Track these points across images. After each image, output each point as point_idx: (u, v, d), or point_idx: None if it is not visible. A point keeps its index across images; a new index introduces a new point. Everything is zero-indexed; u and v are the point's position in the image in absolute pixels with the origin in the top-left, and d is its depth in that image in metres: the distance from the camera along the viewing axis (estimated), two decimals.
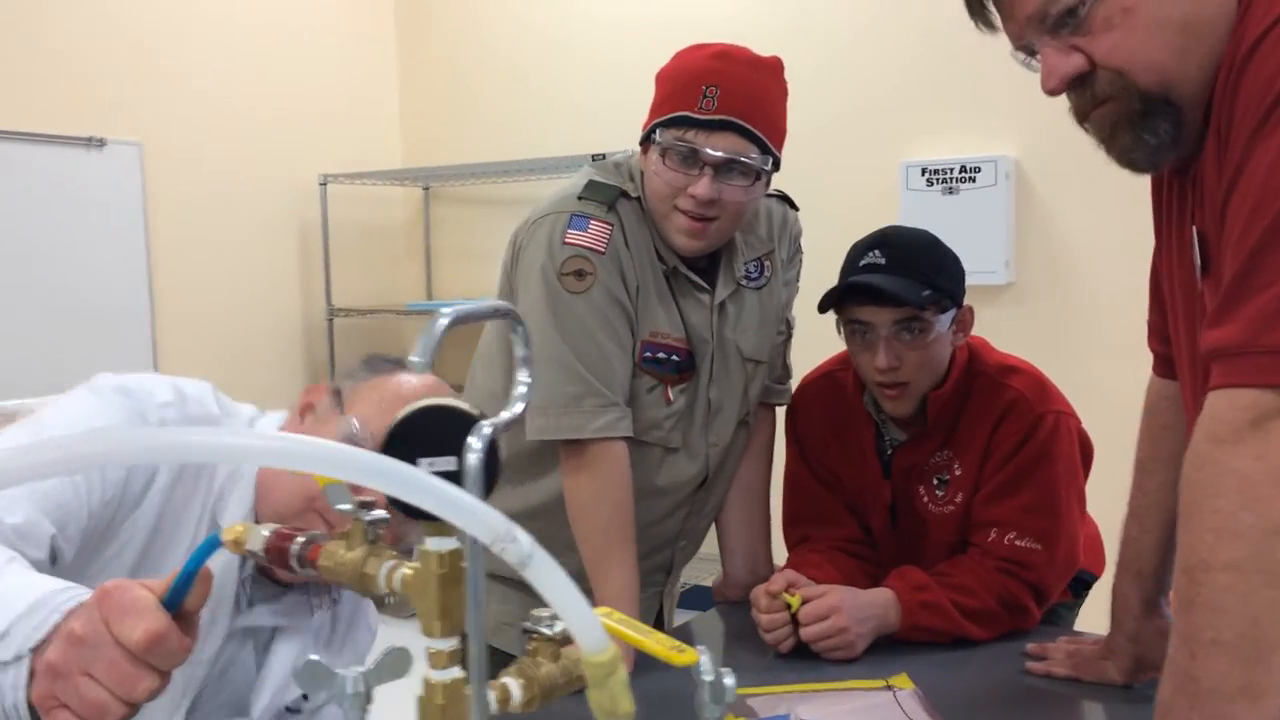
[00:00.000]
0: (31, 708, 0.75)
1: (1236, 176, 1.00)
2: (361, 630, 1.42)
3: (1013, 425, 1.63)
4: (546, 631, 0.62)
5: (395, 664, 0.62)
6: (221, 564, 1.19)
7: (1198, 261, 1.12)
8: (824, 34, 4.01)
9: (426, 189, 5.10)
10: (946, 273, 1.61)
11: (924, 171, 3.76)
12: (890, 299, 1.55)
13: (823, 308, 1.62)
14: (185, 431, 0.45)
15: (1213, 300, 1.04)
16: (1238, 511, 0.94)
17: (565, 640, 0.63)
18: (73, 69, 3.99)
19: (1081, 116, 1.13)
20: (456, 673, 0.56)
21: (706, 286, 1.66)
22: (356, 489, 0.60)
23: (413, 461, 0.57)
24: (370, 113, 5.05)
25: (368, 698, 0.62)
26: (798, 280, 1.85)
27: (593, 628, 0.48)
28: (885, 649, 1.56)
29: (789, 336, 1.85)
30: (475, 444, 0.54)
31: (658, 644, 0.59)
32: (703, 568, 2.67)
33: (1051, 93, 1.11)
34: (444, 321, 0.53)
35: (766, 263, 1.75)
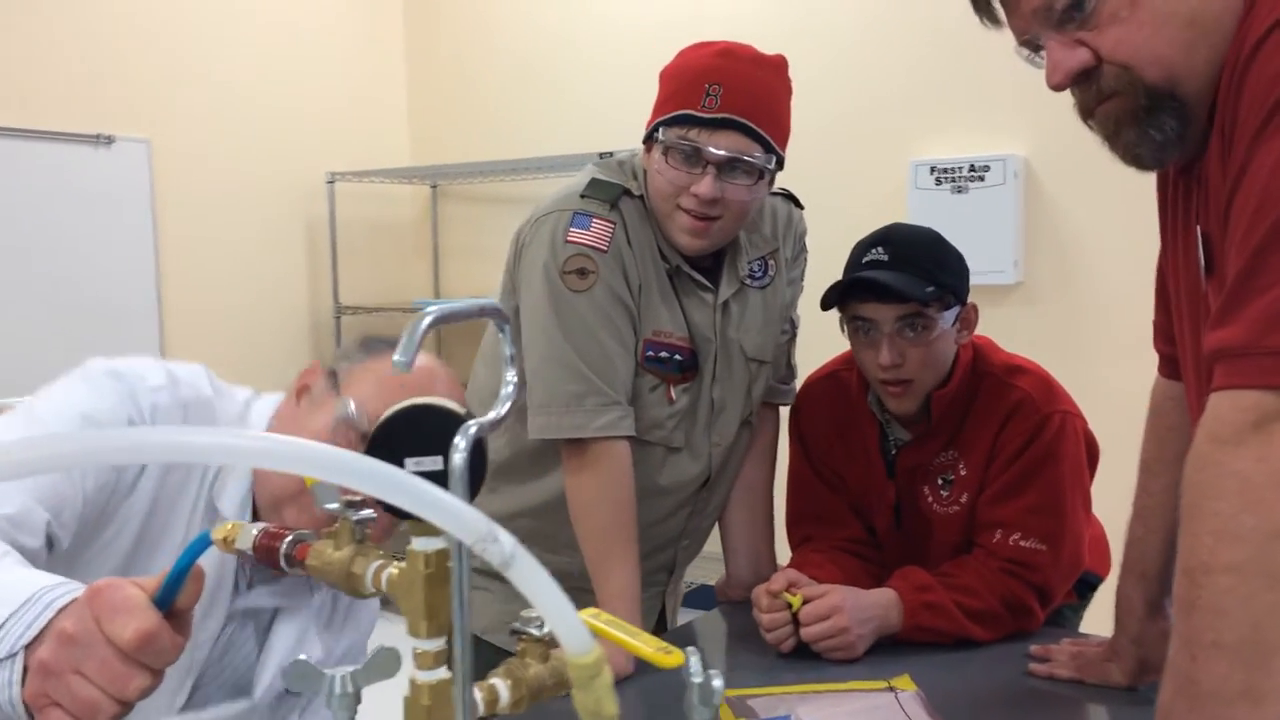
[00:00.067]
0: (26, 705, 0.75)
1: (1240, 176, 0.99)
2: (363, 608, 1.42)
3: (1018, 425, 1.62)
4: (535, 633, 0.61)
5: (384, 664, 0.61)
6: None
7: (1202, 262, 1.11)
8: (833, 32, 4.00)
9: (434, 187, 5.11)
10: (950, 270, 1.60)
11: (933, 170, 3.74)
12: (893, 295, 1.55)
13: (825, 304, 1.62)
14: (168, 431, 0.45)
15: (1217, 301, 1.03)
16: (1239, 514, 0.93)
17: (554, 641, 0.62)
18: (81, 66, 4.00)
19: (1086, 113, 1.12)
20: (443, 673, 0.56)
21: (710, 285, 1.66)
22: (345, 488, 0.60)
23: (399, 460, 0.56)
24: (378, 111, 5.06)
25: (356, 698, 0.62)
26: (802, 279, 1.84)
27: (576, 629, 0.48)
28: (887, 650, 1.55)
29: (793, 336, 1.84)
30: (461, 444, 0.53)
31: (645, 645, 0.58)
32: (709, 567, 2.66)
33: (1056, 87, 1.10)
34: (427, 320, 0.53)
35: (770, 261, 1.74)
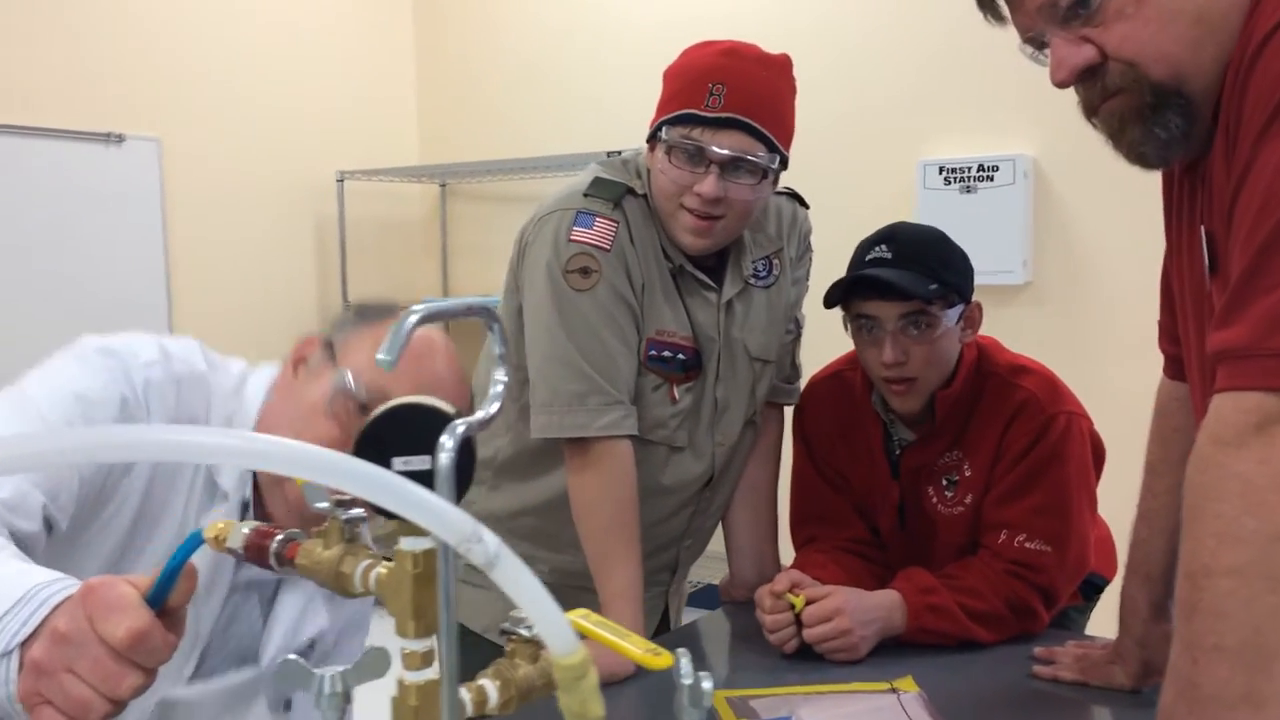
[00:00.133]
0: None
1: (1244, 175, 0.98)
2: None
3: (1024, 426, 1.62)
4: (524, 633, 0.61)
5: (374, 664, 0.61)
6: (223, 514, 1.19)
7: (1206, 262, 1.11)
8: (842, 32, 3.99)
9: (443, 185, 5.11)
10: (954, 268, 1.60)
11: (941, 170, 3.73)
12: (896, 292, 1.54)
13: (829, 302, 1.61)
14: (150, 430, 0.45)
15: (1221, 301, 1.02)
16: (1241, 516, 0.92)
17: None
18: (91, 65, 4.02)
19: (1090, 110, 1.12)
20: (430, 674, 0.56)
21: (713, 285, 1.65)
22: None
23: (387, 459, 0.56)
24: (387, 109, 5.07)
25: (346, 697, 0.62)
26: (807, 279, 1.84)
27: (562, 630, 0.47)
28: (891, 651, 1.55)
29: (798, 336, 1.84)
30: (448, 443, 0.53)
31: (634, 647, 0.58)
32: (714, 566, 2.66)
33: (1060, 84, 1.10)
34: (413, 319, 0.52)
35: (775, 261, 1.74)
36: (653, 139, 1.57)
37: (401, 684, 0.56)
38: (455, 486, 0.52)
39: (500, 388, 0.58)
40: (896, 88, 3.90)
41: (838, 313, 1.65)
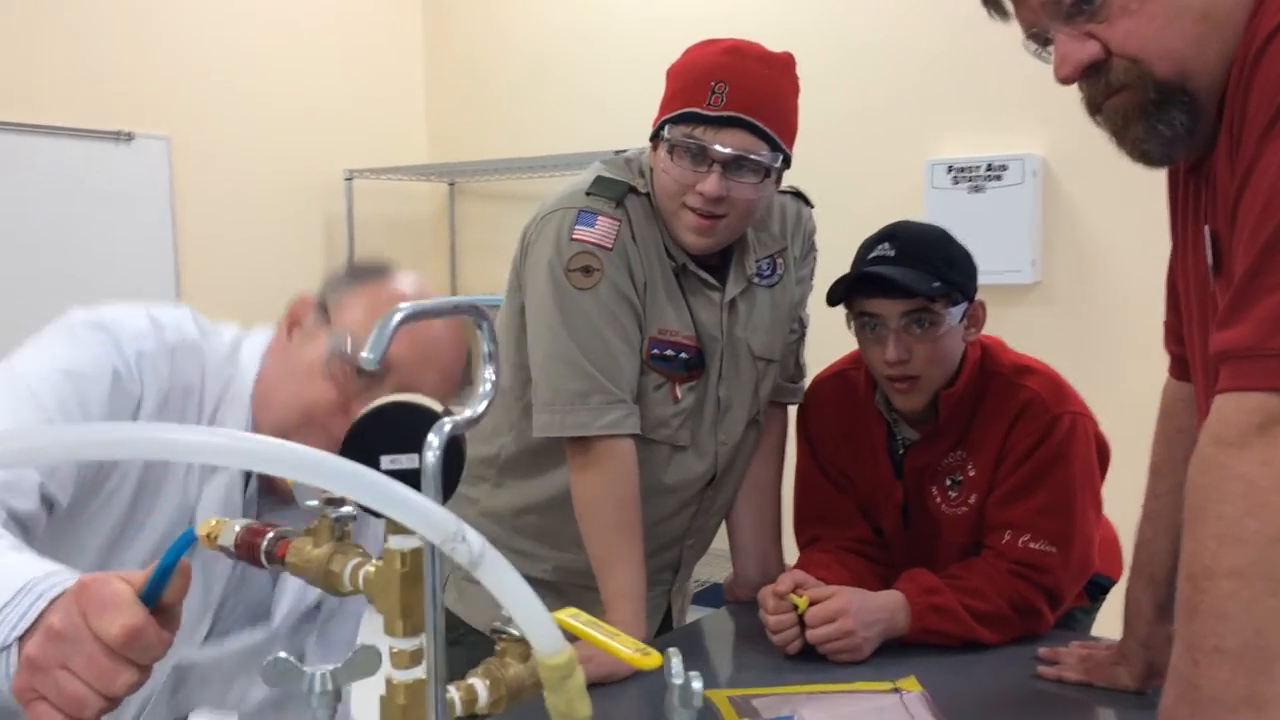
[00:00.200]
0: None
1: (1248, 174, 0.98)
2: (368, 539, 1.42)
3: (1028, 426, 1.61)
4: (515, 632, 0.61)
5: (364, 662, 0.61)
6: (225, 483, 1.19)
7: (1210, 261, 1.10)
8: (850, 30, 3.99)
9: (452, 184, 5.12)
10: (957, 266, 1.59)
11: (950, 169, 3.72)
12: (899, 290, 1.54)
13: (832, 300, 1.61)
14: (133, 427, 0.45)
15: (1224, 301, 1.01)
16: (1243, 517, 0.92)
17: None
18: (101, 63, 4.03)
19: (1094, 108, 1.11)
20: (419, 672, 0.55)
21: (716, 284, 1.65)
22: None
23: (375, 457, 0.56)
24: (396, 108, 5.07)
25: (336, 695, 0.62)
26: (812, 278, 1.83)
27: (547, 629, 0.47)
28: (895, 651, 1.54)
29: (802, 335, 1.83)
30: (434, 442, 0.53)
31: (623, 647, 0.58)
32: (722, 565, 2.66)
33: (1064, 80, 1.09)
34: (398, 316, 0.52)
35: (779, 260, 1.73)
36: (655, 138, 1.57)
37: (390, 683, 0.56)
38: (441, 485, 0.52)
39: (489, 386, 0.58)
40: (904, 87, 3.89)
41: (842, 312, 1.64)
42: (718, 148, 1.49)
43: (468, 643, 1.63)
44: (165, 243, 4.23)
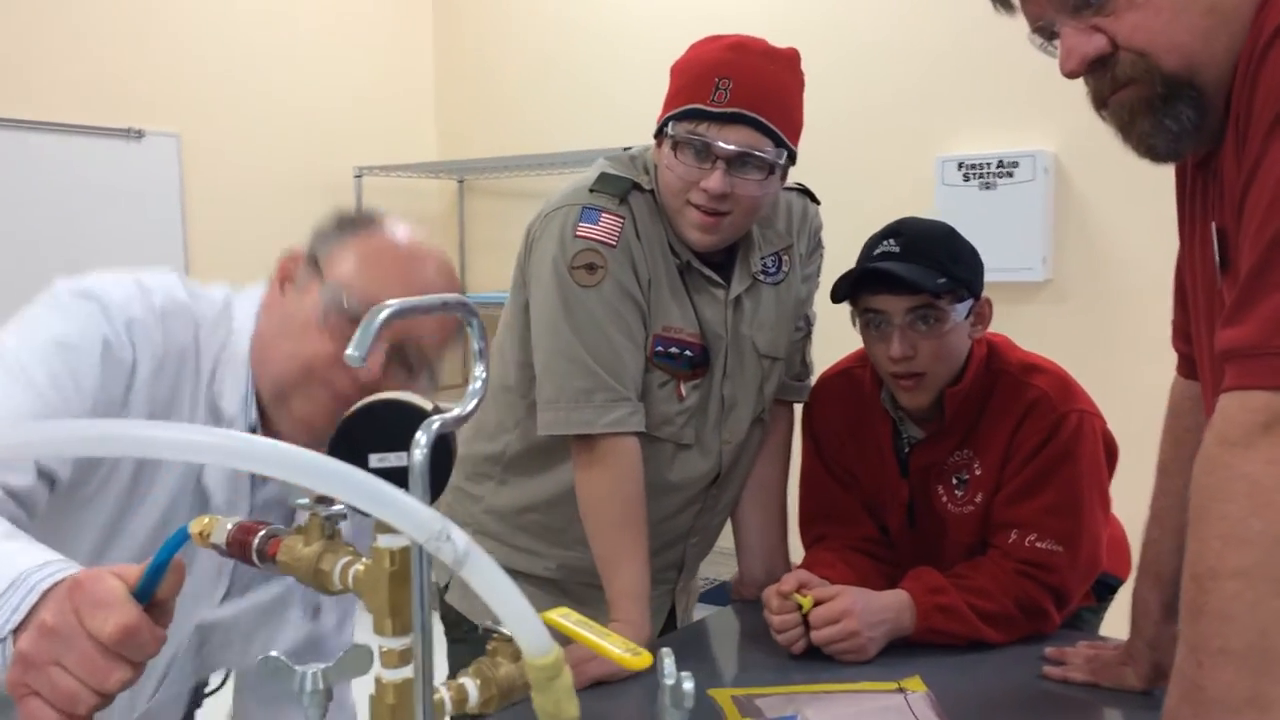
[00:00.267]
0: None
1: (1254, 170, 0.97)
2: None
3: (1035, 424, 1.60)
4: (506, 631, 0.60)
5: (355, 662, 0.61)
6: None
7: (1217, 258, 1.09)
8: (859, 26, 3.97)
9: (461, 182, 5.11)
10: (963, 262, 1.58)
11: (960, 166, 3.70)
12: (904, 286, 1.53)
13: (836, 297, 1.60)
14: (120, 425, 0.45)
15: (1230, 299, 1.00)
16: (1247, 517, 0.91)
17: None
18: (111, 60, 4.04)
19: (1100, 102, 1.10)
20: (408, 672, 0.55)
21: (721, 281, 1.64)
22: None
23: (363, 455, 0.55)
24: (406, 105, 5.08)
25: (328, 695, 0.61)
26: (818, 276, 1.82)
27: (534, 630, 0.47)
28: (900, 650, 1.54)
29: (808, 333, 1.83)
30: (422, 440, 0.52)
31: (613, 646, 0.57)
32: (729, 563, 2.66)
33: (1070, 74, 1.08)
34: (384, 314, 0.52)
35: (785, 257, 1.72)
36: (659, 134, 1.56)
37: (379, 682, 0.56)
38: (429, 483, 0.52)
39: (479, 384, 0.57)
40: (914, 83, 3.87)
41: (849, 310, 1.63)
42: (721, 144, 1.48)
43: (472, 640, 1.63)
44: (175, 240, 4.24)
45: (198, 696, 1.44)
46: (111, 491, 1.14)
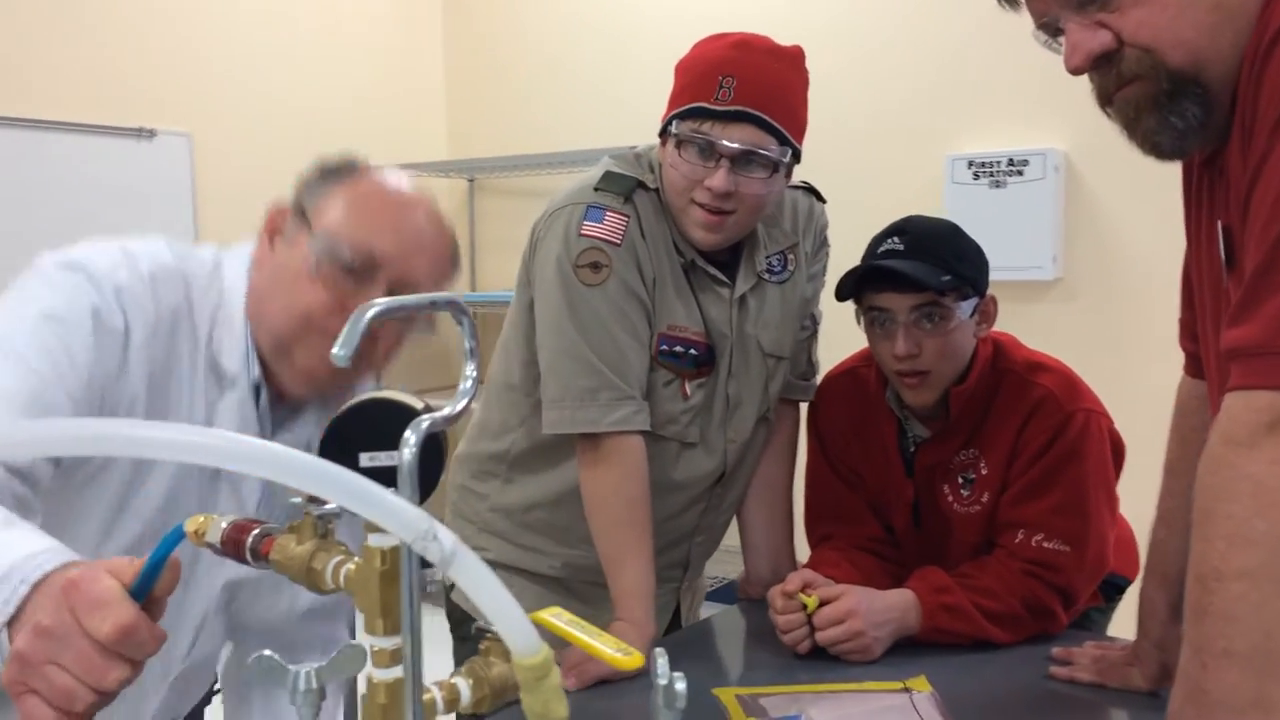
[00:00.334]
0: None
1: (1259, 168, 0.96)
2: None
3: (1041, 423, 1.59)
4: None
5: (349, 661, 0.61)
6: (238, 401, 1.19)
7: (1223, 256, 1.08)
8: (868, 25, 3.96)
9: (471, 180, 5.12)
10: (968, 260, 1.57)
11: (970, 164, 3.69)
12: (909, 283, 1.52)
13: (840, 295, 1.59)
14: (105, 424, 0.45)
15: (1235, 297, 1.00)
16: (1252, 518, 0.90)
17: None
18: (123, 60, 4.05)
19: (1105, 99, 1.09)
20: (399, 672, 0.55)
21: (726, 280, 1.64)
22: None
23: (354, 454, 0.55)
24: (416, 104, 5.09)
25: (321, 694, 0.61)
26: (824, 274, 1.82)
27: (522, 630, 0.47)
28: (906, 650, 1.53)
29: (814, 332, 1.82)
30: (411, 439, 0.52)
31: (604, 646, 0.57)
32: (737, 562, 2.66)
33: (1075, 71, 1.07)
34: (371, 312, 0.52)
35: (790, 256, 1.72)
36: (664, 133, 1.56)
37: (370, 681, 0.56)
38: (419, 482, 0.52)
39: (470, 383, 0.57)
40: (924, 81, 3.86)
41: (854, 309, 1.63)
42: (725, 143, 1.48)
43: (475, 638, 1.63)
44: (186, 239, 4.22)
45: (208, 695, 1.45)
46: (118, 462, 1.14)
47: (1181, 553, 1.31)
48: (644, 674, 1.44)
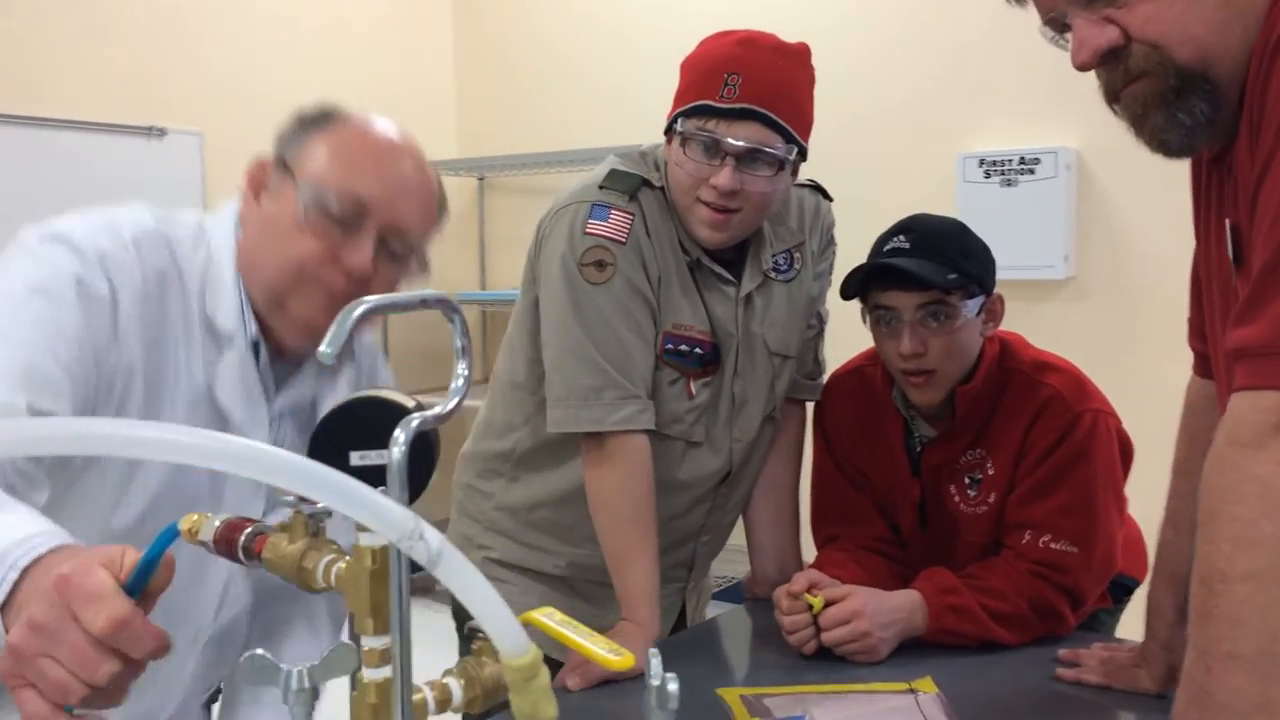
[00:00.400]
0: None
1: (1267, 165, 0.95)
2: (380, 379, 1.43)
3: (1048, 423, 1.58)
4: None
5: (341, 661, 0.60)
6: (238, 360, 1.19)
7: (1231, 255, 1.07)
8: (878, 23, 3.95)
9: (481, 179, 5.12)
10: (974, 259, 1.56)
11: (981, 163, 3.67)
12: (914, 281, 1.51)
13: (846, 293, 1.59)
14: (85, 423, 0.44)
15: (1242, 296, 0.99)
16: (1258, 520, 0.89)
17: None
18: (134, 59, 4.07)
19: (1112, 96, 1.08)
20: (389, 671, 0.55)
21: (732, 279, 1.63)
22: None
23: (344, 453, 0.55)
24: (426, 103, 5.09)
25: (314, 693, 0.61)
26: (830, 273, 1.81)
27: (510, 630, 0.46)
28: (913, 651, 1.53)
29: (820, 331, 1.81)
30: (400, 438, 0.52)
31: (595, 646, 0.56)
32: (745, 561, 2.65)
33: (1082, 67, 1.07)
34: (359, 310, 0.51)
35: (796, 254, 1.71)
36: (669, 131, 1.55)
37: (361, 681, 0.55)
38: (408, 481, 0.51)
39: (461, 382, 0.57)
40: (935, 80, 3.85)
41: (860, 308, 1.62)
42: (730, 140, 1.47)
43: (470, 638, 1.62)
44: None
45: (214, 694, 1.45)
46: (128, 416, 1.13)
47: (1190, 554, 1.30)
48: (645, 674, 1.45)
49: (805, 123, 1.53)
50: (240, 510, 1.23)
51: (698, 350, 1.61)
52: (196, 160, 4.23)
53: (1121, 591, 1.79)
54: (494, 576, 1.71)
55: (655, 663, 0.58)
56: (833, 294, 1.79)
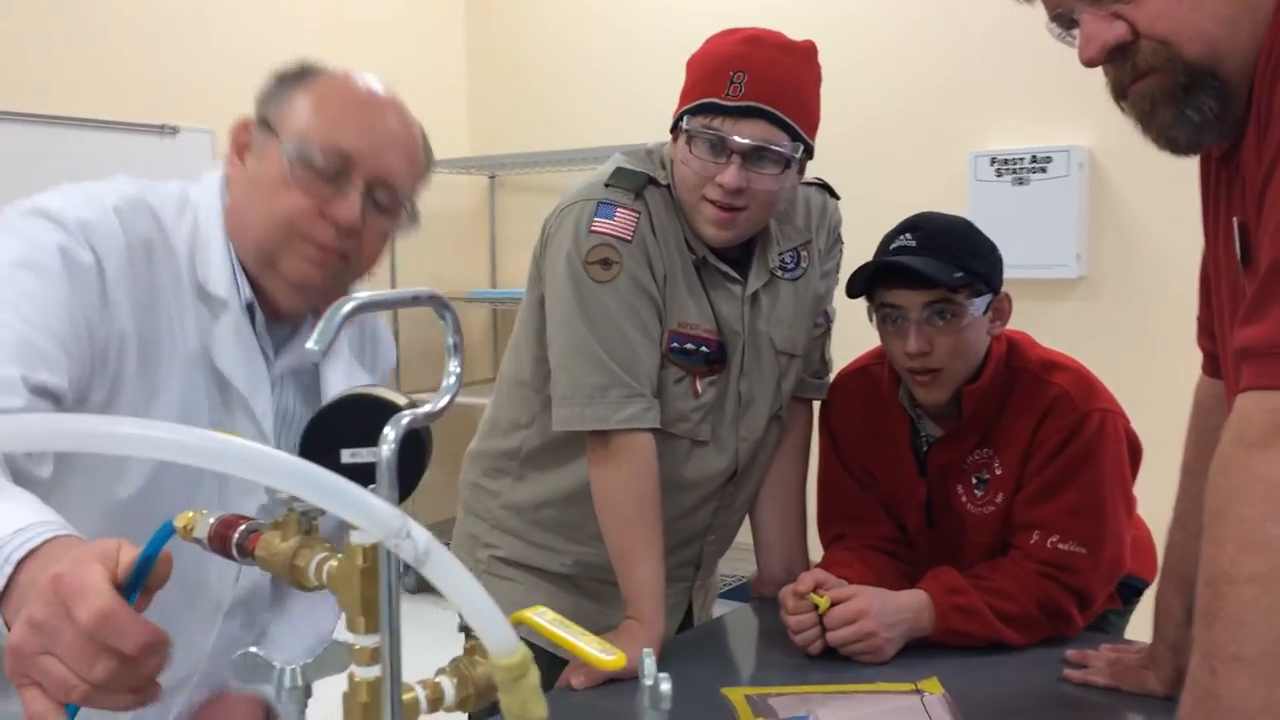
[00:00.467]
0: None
1: (1275, 164, 0.95)
2: (382, 343, 1.43)
3: (1056, 423, 1.57)
4: None
5: (335, 659, 0.60)
6: (233, 324, 1.18)
7: (1239, 254, 1.06)
8: (889, 21, 3.93)
9: (492, 177, 5.13)
10: (981, 257, 1.56)
11: (993, 162, 3.66)
12: (920, 279, 1.51)
13: (852, 291, 1.58)
14: (76, 420, 0.44)
15: (1248, 296, 0.98)
16: (1264, 521, 0.89)
17: None
18: (146, 57, 4.08)
19: (1119, 92, 1.08)
20: (380, 670, 0.54)
21: (738, 277, 1.63)
22: None
23: (335, 451, 0.55)
24: (438, 101, 5.09)
25: (307, 691, 0.61)
26: (837, 271, 1.80)
27: (499, 629, 0.46)
28: (919, 651, 1.52)
29: (827, 329, 1.81)
30: (390, 435, 0.52)
31: (587, 646, 0.56)
32: (752, 560, 2.65)
33: (1089, 63, 1.06)
34: (348, 306, 0.51)
35: (803, 253, 1.71)
36: (675, 129, 1.55)
37: (352, 680, 0.55)
38: (398, 479, 0.51)
39: (453, 380, 0.56)
40: (946, 78, 3.83)
41: (866, 306, 1.61)
42: (736, 138, 1.46)
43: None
44: None
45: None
46: (124, 397, 1.13)
47: (1198, 555, 1.30)
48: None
49: (811, 121, 1.53)
50: (242, 484, 1.22)
51: (703, 349, 1.60)
52: (209, 158, 4.24)
53: (1130, 592, 1.78)
54: (500, 575, 1.71)
55: (649, 663, 0.58)
56: (839, 293, 1.79)
